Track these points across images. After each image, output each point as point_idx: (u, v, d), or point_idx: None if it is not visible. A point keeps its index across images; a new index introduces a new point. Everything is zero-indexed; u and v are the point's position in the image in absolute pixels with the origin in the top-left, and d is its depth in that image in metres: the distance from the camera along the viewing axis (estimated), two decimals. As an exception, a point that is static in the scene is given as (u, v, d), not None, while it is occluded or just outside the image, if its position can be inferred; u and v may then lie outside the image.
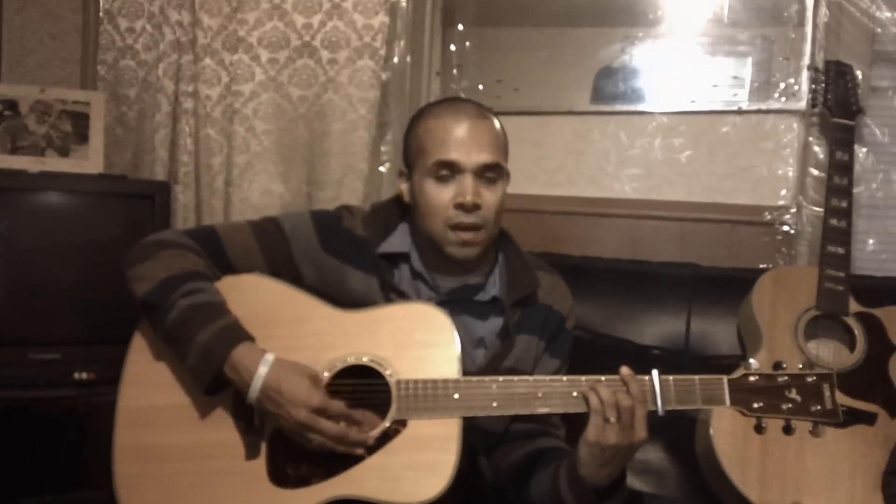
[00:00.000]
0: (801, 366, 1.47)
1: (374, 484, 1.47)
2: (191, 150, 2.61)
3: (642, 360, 1.49)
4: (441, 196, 1.60)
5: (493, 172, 1.61)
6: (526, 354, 1.68)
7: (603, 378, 1.46)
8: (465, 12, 2.73)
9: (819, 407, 1.44)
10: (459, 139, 1.59)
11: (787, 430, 1.46)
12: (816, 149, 2.36)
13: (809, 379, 1.45)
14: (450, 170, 1.59)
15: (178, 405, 1.57)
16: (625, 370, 1.45)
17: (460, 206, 1.58)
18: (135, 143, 2.70)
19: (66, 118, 2.43)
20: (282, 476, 1.51)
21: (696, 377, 1.46)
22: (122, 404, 1.59)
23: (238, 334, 1.51)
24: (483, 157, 1.59)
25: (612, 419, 1.41)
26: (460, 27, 2.72)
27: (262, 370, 1.47)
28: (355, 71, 2.52)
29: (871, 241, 2.39)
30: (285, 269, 1.68)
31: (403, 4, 2.55)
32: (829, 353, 1.96)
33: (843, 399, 1.87)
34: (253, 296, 1.62)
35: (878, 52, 2.38)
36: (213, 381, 1.50)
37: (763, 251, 2.41)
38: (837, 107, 2.19)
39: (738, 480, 1.80)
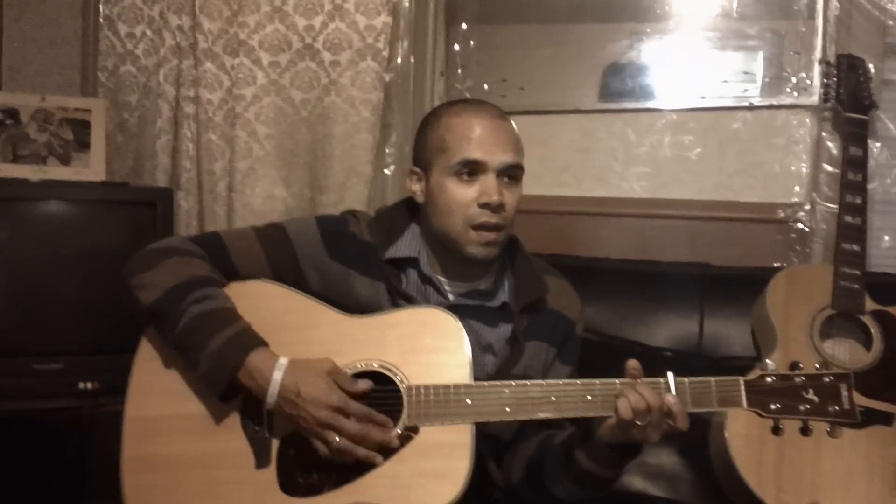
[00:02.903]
0: (817, 366, 1.46)
1: (385, 492, 1.45)
2: (193, 156, 2.61)
3: (654, 362, 1.47)
4: (464, 195, 1.58)
5: (514, 173, 1.61)
6: (535, 361, 1.66)
7: (618, 381, 1.45)
8: (468, 11, 2.71)
9: (837, 407, 1.43)
10: (484, 138, 1.58)
11: (805, 431, 1.45)
12: (829, 144, 2.32)
13: (826, 379, 1.44)
14: (474, 169, 1.58)
15: (186, 414, 1.55)
16: (632, 363, 1.44)
17: (486, 206, 1.57)
18: (136, 150, 2.70)
19: (67, 126, 2.43)
20: (292, 485, 1.50)
21: (713, 379, 1.45)
22: (128, 414, 1.57)
23: (251, 340, 1.50)
24: (507, 157, 1.59)
25: (641, 423, 1.39)
26: (464, 26, 2.70)
27: (278, 375, 1.46)
28: (358, 73, 2.50)
29: (886, 238, 2.37)
30: (290, 275, 1.66)
31: (406, 4, 2.53)
32: (845, 353, 1.94)
33: (859, 399, 1.83)
34: (259, 302, 1.60)
35: (890, 45, 2.35)
36: (228, 388, 1.49)
37: (776, 249, 2.39)
38: (850, 101, 2.16)
39: (753, 483, 1.79)
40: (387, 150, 2.58)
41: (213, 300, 1.53)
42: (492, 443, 1.64)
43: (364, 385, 1.49)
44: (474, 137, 1.58)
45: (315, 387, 1.45)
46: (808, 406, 1.43)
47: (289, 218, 1.79)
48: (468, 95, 2.63)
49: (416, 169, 1.67)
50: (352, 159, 2.52)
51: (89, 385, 2.15)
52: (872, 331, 1.93)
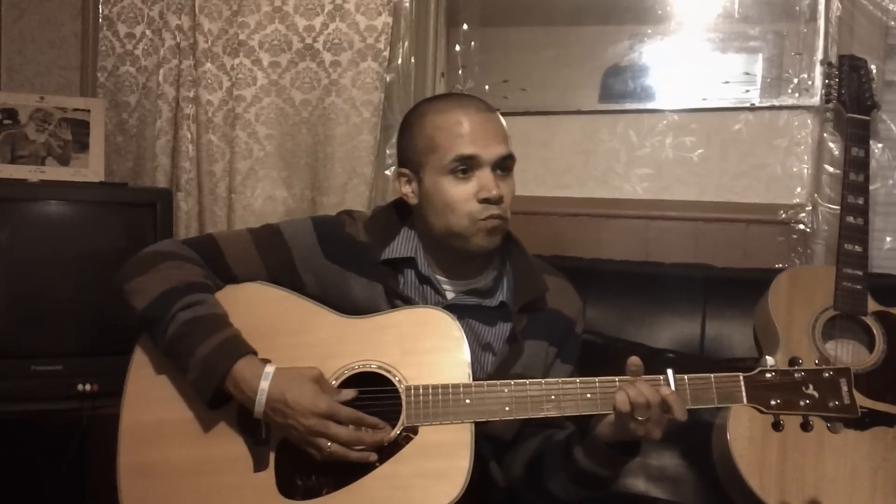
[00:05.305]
0: (817, 361, 1.46)
1: (384, 493, 1.44)
2: (192, 157, 2.60)
3: (656, 363, 1.47)
4: (463, 192, 1.57)
5: (507, 164, 1.60)
6: (535, 360, 1.65)
7: (617, 379, 1.44)
8: (469, 12, 2.70)
9: (837, 402, 1.43)
10: (474, 132, 1.57)
11: (805, 426, 1.44)
12: (831, 145, 2.32)
13: (826, 374, 1.44)
14: (468, 164, 1.56)
15: (183, 420, 1.54)
16: (634, 360, 1.44)
17: (486, 201, 1.56)
18: (136, 151, 2.70)
19: (66, 126, 2.41)
20: (291, 488, 1.48)
21: (712, 375, 1.45)
22: (124, 421, 1.57)
23: (238, 348, 1.49)
24: (500, 149, 1.58)
25: (641, 418, 1.39)
26: (465, 27, 2.70)
27: (264, 384, 1.45)
28: (358, 73, 2.49)
29: (888, 239, 2.36)
30: (286, 277, 1.65)
31: (407, 5, 2.53)
32: (848, 354, 1.94)
33: (862, 401, 1.85)
34: (255, 305, 1.60)
35: (892, 46, 2.35)
36: (216, 395, 1.48)
37: (778, 251, 2.38)
38: (852, 102, 2.16)
39: (756, 486, 1.78)
40: (387, 151, 2.58)
41: (202, 306, 1.52)
42: (493, 444, 1.63)
43: (348, 394, 1.48)
44: (465, 133, 1.56)
45: (302, 395, 1.44)
46: (808, 401, 1.43)
47: (284, 220, 1.77)
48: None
49: (405, 171, 1.65)
50: (353, 160, 2.51)
51: (88, 387, 2.13)
52: (875, 332, 1.93)
